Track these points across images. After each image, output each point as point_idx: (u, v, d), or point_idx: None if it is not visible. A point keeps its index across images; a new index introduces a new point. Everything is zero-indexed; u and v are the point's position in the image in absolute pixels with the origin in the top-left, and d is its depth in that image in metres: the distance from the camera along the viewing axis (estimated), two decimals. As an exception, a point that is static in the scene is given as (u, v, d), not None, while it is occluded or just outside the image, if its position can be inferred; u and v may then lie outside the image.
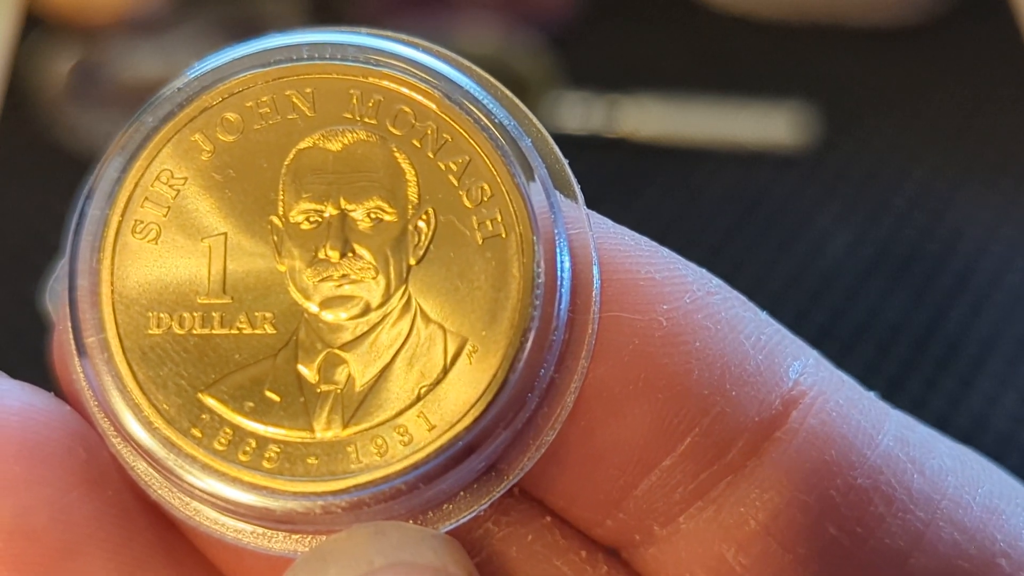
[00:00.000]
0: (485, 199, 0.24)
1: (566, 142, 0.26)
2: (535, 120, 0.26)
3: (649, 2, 0.92)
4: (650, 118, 0.83)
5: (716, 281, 0.26)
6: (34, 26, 0.87)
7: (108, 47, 0.85)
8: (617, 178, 0.80)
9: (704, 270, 0.26)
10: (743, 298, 0.26)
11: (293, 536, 0.24)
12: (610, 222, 0.26)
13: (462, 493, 0.24)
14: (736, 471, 0.25)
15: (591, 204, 0.26)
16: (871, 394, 0.26)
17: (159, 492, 0.24)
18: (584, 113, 0.82)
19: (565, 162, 0.26)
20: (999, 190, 0.80)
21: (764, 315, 0.26)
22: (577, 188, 0.26)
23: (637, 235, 0.26)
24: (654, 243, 0.25)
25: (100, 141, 0.80)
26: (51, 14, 0.86)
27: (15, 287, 0.75)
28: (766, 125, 0.83)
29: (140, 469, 0.24)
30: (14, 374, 0.25)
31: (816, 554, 0.25)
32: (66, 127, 0.82)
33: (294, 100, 0.25)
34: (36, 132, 0.82)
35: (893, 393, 0.68)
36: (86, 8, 0.85)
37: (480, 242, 0.24)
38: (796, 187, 0.80)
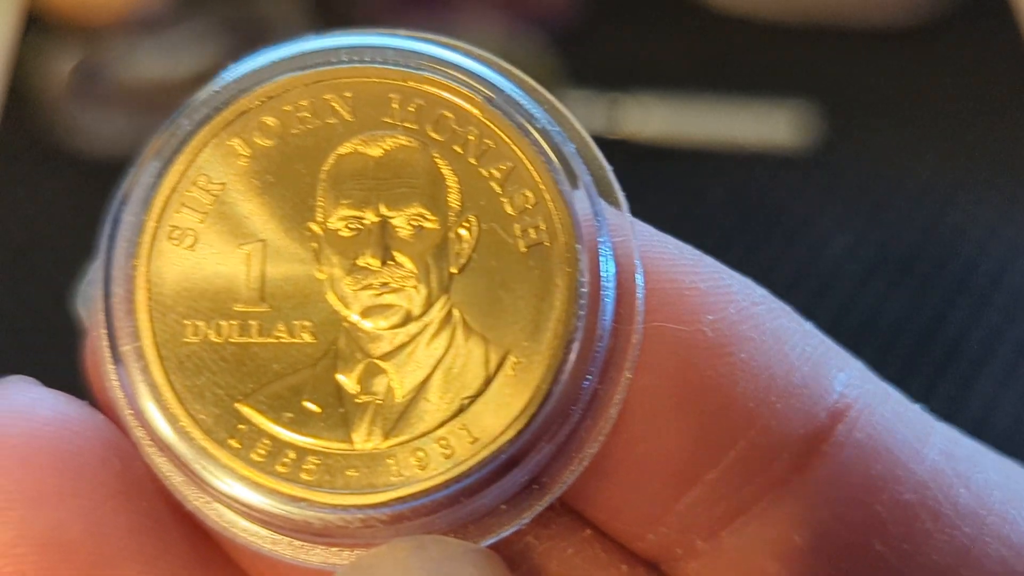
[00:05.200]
0: (528, 206, 0.24)
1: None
2: (578, 125, 0.25)
3: (651, 3, 0.92)
4: (651, 118, 0.83)
5: (760, 291, 0.25)
6: (35, 26, 0.87)
7: (109, 47, 0.85)
8: (618, 179, 0.79)
9: (749, 280, 0.25)
10: (787, 308, 0.25)
11: (331, 549, 0.24)
12: (653, 230, 0.25)
13: (503, 506, 0.24)
14: (781, 485, 0.24)
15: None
16: (916, 406, 0.26)
17: (195, 503, 0.24)
18: (585, 113, 0.81)
19: (608, 168, 0.25)
20: (1000, 191, 0.80)
21: (809, 326, 0.25)
22: (621, 195, 0.25)
23: (681, 243, 0.25)
24: (698, 252, 0.25)
25: (101, 141, 0.80)
26: (52, 14, 0.86)
27: (16, 286, 0.75)
28: (767, 126, 0.83)
29: (176, 480, 0.24)
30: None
31: (862, 571, 0.24)
32: (67, 127, 0.82)
33: (333, 104, 0.24)
34: (37, 132, 0.82)
35: (894, 394, 0.69)
36: (87, 8, 0.85)
37: (523, 250, 0.24)
38: (797, 188, 0.80)
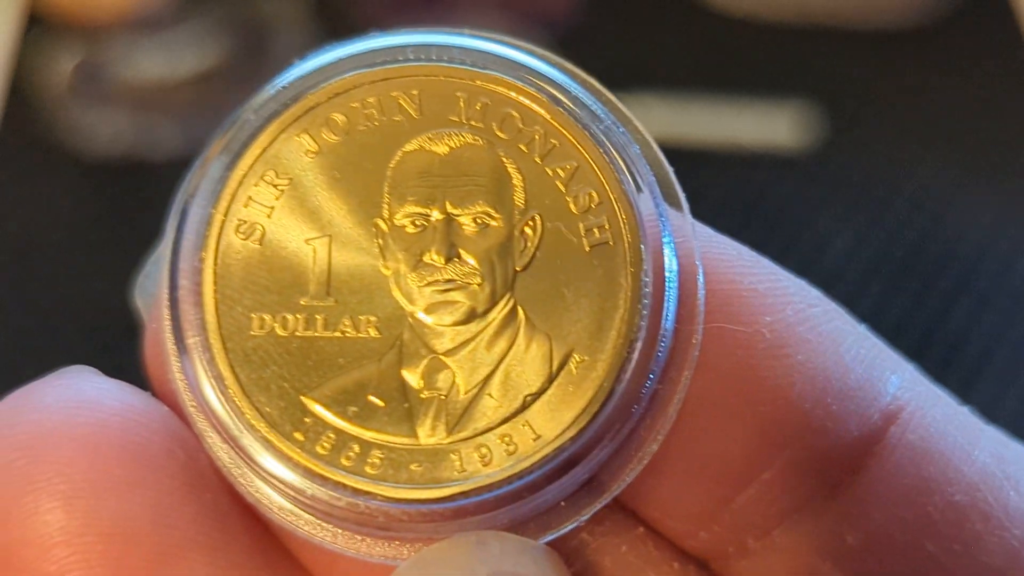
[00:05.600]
0: (592, 206, 0.24)
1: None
2: (640, 127, 0.26)
3: (651, 3, 0.92)
4: (652, 119, 0.83)
5: (815, 293, 0.25)
6: (36, 25, 0.87)
7: (110, 46, 0.85)
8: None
9: (804, 282, 0.25)
10: (841, 310, 0.26)
11: (392, 543, 0.24)
12: (712, 231, 0.26)
13: (563, 504, 0.24)
14: (835, 486, 0.25)
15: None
16: (966, 409, 0.26)
17: (257, 495, 0.24)
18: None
19: (670, 170, 0.25)
20: (1000, 192, 0.80)
21: (862, 328, 0.26)
22: (682, 196, 0.25)
23: (739, 245, 0.25)
24: (755, 253, 0.25)
25: (102, 141, 0.80)
26: (53, 13, 0.86)
27: (16, 286, 0.75)
28: (767, 126, 0.83)
29: (239, 472, 0.24)
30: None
31: (914, 571, 0.25)
32: (68, 127, 0.82)
33: (400, 102, 0.24)
34: (38, 131, 0.82)
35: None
36: (88, 7, 0.85)
37: (587, 249, 0.24)
38: (797, 188, 0.80)
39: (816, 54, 0.88)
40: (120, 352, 0.69)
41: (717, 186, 0.80)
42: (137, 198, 0.80)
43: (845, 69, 0.88)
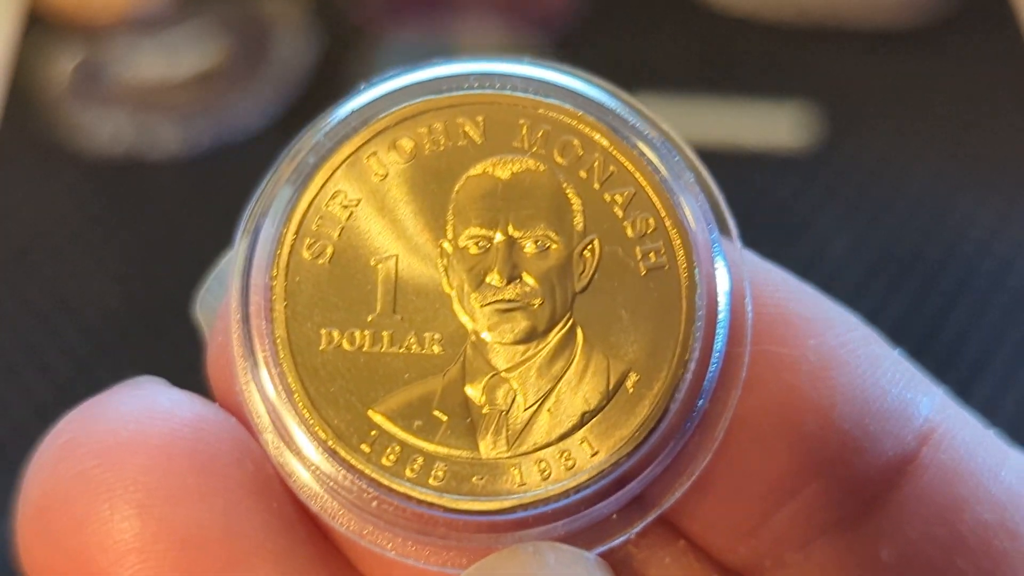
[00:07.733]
0: (648, 231, 0.25)
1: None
2: (691, 154, 0.27)
3: (651, 3, 0.92)
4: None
5: (854, 318, 0.26)
6: (36, 25, 0.87)
7: (110, 46, 0.85)
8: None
9: (843, 308, 0.26)
10: (876, 335, 0.27)
11: (452, 552, 0.25)
12: (757, 257, 0.27)
13: (614, 517, 0.25)
14: (870, 503, 0.26)
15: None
16: (992, 432, 0.27)
17: (321, 505, 0.25)
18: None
19: (721, 198, 0.27)
20: (1000, 192, 0.80)
21: (896, 352, 0.27)
22: (732, 223, 0.26)
23: (783, 272, 0.27)
24: (798, 280, 0.26)
25: (102, 140, 0.80)
26: (53, 14, 0.86)
27: (16, 286, 0.75)
28: (768, 126, 0.83)
29: (304, 482, 0.25)
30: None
31: None
32: (68, 126, 0.82)
33: (465, 128, 0.25)
34: (37, 132, 0.82)
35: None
36: (88, 8, 0.85)
37: (643, 273, 0.25)
38: (797, 188, 0.80)
39: (816, 54, 0.88)
40: (119, 352, 0.69)
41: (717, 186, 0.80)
42: (137, 198, 0.80)
43: (845, 69, 0.88)
